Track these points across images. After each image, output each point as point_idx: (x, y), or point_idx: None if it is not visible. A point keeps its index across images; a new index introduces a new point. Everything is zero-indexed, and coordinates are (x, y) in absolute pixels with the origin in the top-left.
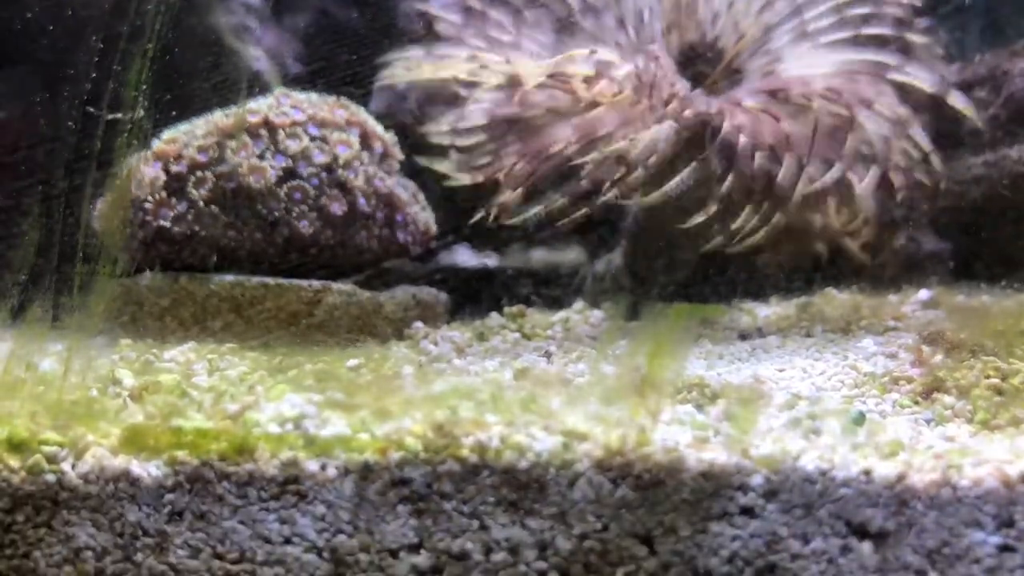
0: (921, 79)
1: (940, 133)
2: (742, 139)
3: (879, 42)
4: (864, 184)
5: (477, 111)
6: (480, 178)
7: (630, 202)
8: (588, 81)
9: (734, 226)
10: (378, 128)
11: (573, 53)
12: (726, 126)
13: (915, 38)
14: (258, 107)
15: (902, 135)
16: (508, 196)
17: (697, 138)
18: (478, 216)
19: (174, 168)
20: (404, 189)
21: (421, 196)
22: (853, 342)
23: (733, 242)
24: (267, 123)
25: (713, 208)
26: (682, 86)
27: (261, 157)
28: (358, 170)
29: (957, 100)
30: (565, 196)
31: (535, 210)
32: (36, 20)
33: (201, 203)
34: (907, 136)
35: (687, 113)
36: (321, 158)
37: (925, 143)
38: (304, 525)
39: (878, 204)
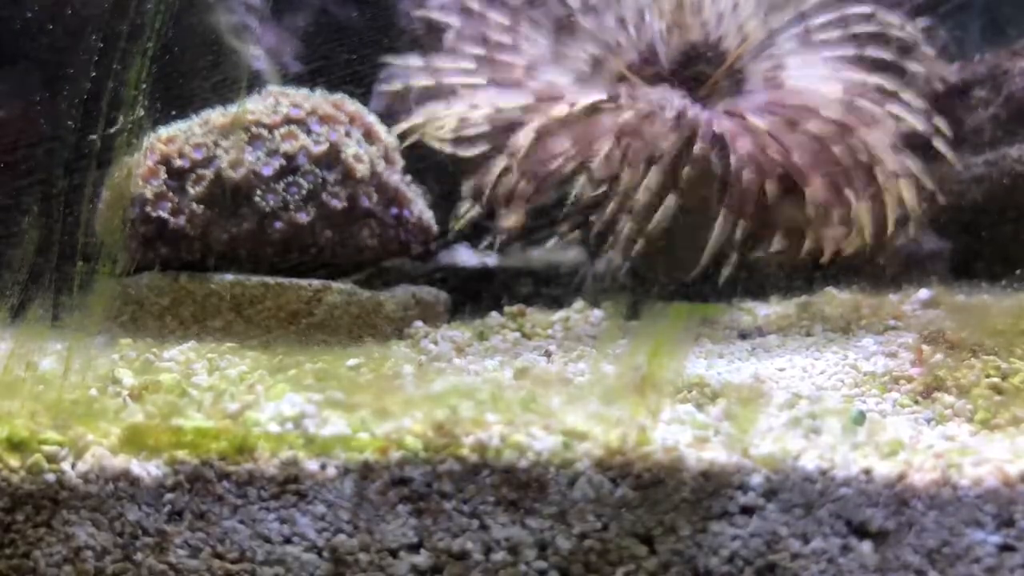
0: (913, 115)
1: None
2: (746, 175)
3: (882, 43)
4: (859, 206)
5: (480, 116)
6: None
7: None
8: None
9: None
10: (379, 126)
11: (555, 108)
12: (734, 161)
13: (916, 48)
14: (256, 104)
15: (902, 160)
16: (512, 221)
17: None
18: (486, 243)
19: (172, 166)
20: (407, 187)
21: (422, 194)
22: (853, 341)
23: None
24: (265, 120)
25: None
26: (684, 104)
27: (258, 156)
28: (363, 165)
29: (938, 138)
30: (568, 222)
31: (551, 242)
32: (36, 19)
33: (198, 201)
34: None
35: (696, 149)
36: (321, 152)
37: (924, 178)
38: (304, 524)
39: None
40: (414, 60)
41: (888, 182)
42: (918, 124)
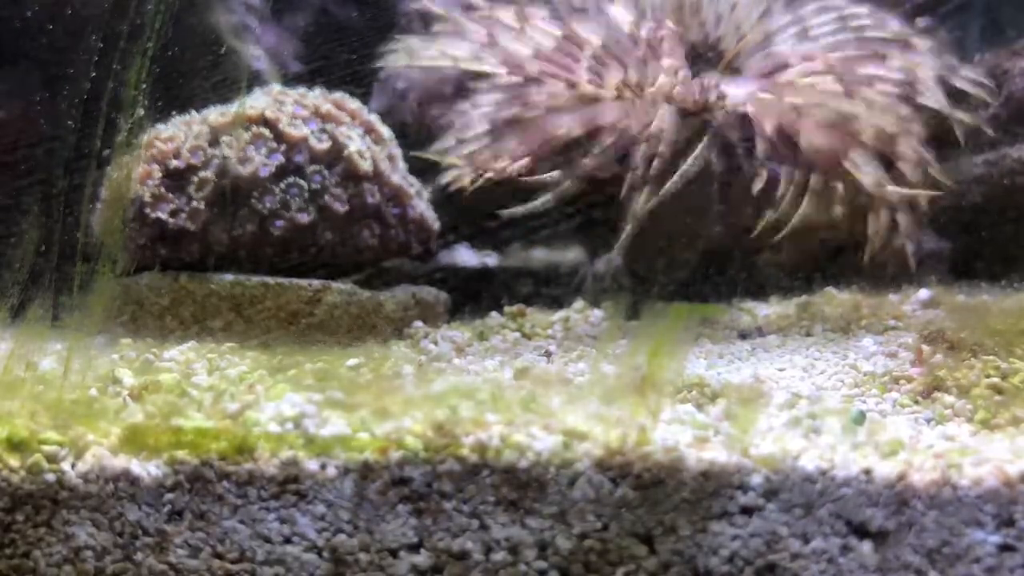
0: (925, 66)
1: (941, 132)
2: (767, 125)
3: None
4: (869, 174)
5: (478, 117)
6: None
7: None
8: (593, 67)
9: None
10: (381, 125)
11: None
12: (731, 96)
13: (916, 42)
14: (256, 103)
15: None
16: (515, 167)
17: (699, 127)
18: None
19: (170, 166)
20: (409, 185)
21: (424, 193)
22: (853, 341)
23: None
24: (266, 119)
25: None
26: (685, 73)
27: (259, 154)
28: (366, 161)
29: (957, 113)
30: (571, 179)
31: (544, 198)
32: (36, 19)
33: (196, 200)
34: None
35: (719, 115)
36: (324, 149)
37: (922, 152)
38: (304, 524)
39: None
40: (415, 41)
41: (902, 126)
42: (929, 79)
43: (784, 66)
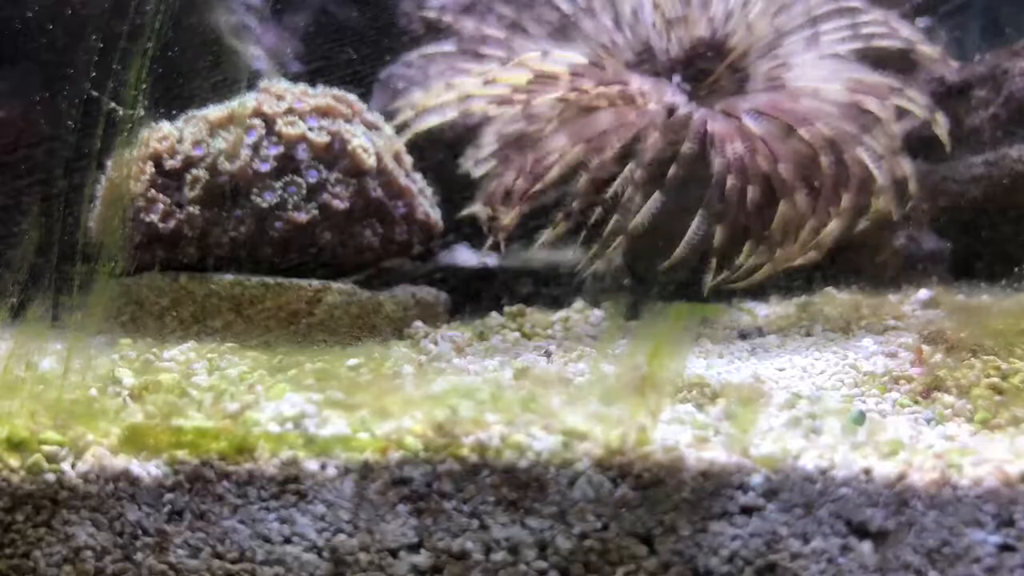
0: (917, 105)
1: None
2: (730, 180)
3: (888, 45)
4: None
5: (489, 134)
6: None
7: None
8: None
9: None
10: (383, 122)
11: (526, 57)
12: (718, 164)
13: (922, 49)
14: (255, 99)
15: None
16: (509, 219)
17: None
18: (489, 244)
19: (166, 165)
20: (413, 183)
21: (428, 191)
22: (853, 341)
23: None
24: (264, 115)
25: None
26: (680, 100)
27: (256, 148)
28: (370, 156)
29: (940, 128)
30: (564, 219)
31: (545, 236)
32: (36, 19)
33: (191, 201)
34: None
35: (684, 149)
36: (324, 143)
37: (910, 170)
38: (304, 524)
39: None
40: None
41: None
42: (926, 115)
43: (785, 107)
